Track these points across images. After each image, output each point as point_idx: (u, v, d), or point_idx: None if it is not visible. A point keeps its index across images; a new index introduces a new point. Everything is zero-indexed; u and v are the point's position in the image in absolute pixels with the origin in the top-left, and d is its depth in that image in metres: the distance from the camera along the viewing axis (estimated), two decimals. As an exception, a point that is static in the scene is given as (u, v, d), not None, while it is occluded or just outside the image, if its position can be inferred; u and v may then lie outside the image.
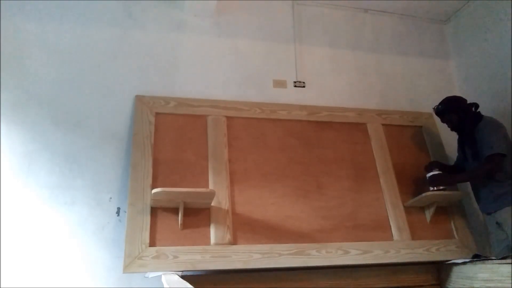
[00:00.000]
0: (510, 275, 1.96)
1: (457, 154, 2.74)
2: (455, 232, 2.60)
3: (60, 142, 2.40)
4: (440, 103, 2.61)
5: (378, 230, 2.50)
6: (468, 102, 2.58)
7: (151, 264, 2.07)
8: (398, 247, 2.43)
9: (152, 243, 2.13)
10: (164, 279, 1.90)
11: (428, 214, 2.60)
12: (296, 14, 3.15)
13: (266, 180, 2.48)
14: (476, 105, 2.54)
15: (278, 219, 2.38)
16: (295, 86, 2.95)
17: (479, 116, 2.51)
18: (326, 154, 2.67)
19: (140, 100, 2.54)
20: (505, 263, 2.03)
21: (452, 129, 2.64)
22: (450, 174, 2.64)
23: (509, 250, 2.28)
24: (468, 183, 2.68)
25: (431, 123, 3.01)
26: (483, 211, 2.52)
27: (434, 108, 2.64)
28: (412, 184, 2.66)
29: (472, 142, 2.48)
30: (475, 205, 2.73)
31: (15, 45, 2.52)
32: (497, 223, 2.38)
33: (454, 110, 2.55)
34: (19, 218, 2.21)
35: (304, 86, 2.97)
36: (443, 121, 2.64)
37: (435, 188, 2.51)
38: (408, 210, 2.59)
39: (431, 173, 2.54)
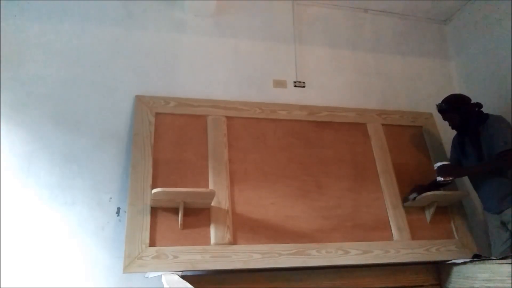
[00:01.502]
0: (510, 275, 1.96)
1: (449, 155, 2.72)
2: (455, 232, 2.59)
3: (60, 142, 2.41)
4: (443, 101, 2.57)
5: (378, 230, 2.49)
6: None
7: (151, 264, 2.07)
8: (398, 247, 2.43)
9: (152, 243, 2.13)
10: (164, 279, 1.90)
11: (428, 214, 2.60)
12: (296, 14, 3.15)
13: (266, 180, 2.48)
14: (479, 105, 2.51)
15: (278, 219, 2.38)
16: (295, 86, 2.96)
17: (483, 116, 2.47)
18: (326, 154, 2.67)
19: (140, 100, 2.54)
20: (505, 263, 2.03)
21: (453, 128, 2.61)
22: (460, 166, 2.58)
23: (510, 250, 2.26)
24: (469, 183, 2.67)
25: (431, 123, 3.01)
26: (489, 211, 2.47)
27: (437, 105, 2.60)
28: (412, 184, 2.65)
29: (476, 142, 2.45)
30: (475, 205, 2.73)
31: (15, 45, 2.52)
32: (502, 222, 2.34)
33: (456, 109, 2.51)
34: (19, 218, 2.21)
35: (304, 86, 2.97)
36: (444, 119, 2.61)
37: (443, 179, 2.42)
38: (408, 210, 2.59)
39: (440, 163, 2.45)
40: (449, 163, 2.50)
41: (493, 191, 2.39)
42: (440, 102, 2.59)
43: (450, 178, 2.44)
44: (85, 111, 2.51)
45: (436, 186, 2.57)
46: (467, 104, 2.53)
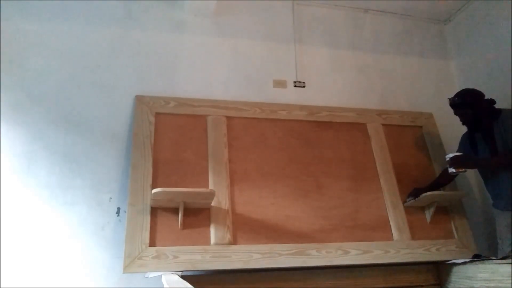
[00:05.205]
0: (510, 275, 1.96)
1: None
2: (455, 232, 2.59)
3: (60, 142, 2.40)
4: (456, 95, 2.49)
5: (378, 230, 2.50)
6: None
7: (151, 264, 2.07)
8: (398, 247, 2.43)
9: (152, 243, 2.13)
10: (164, 279, 1.90)
11: (428, 214, 2.60)
12: (296, 14, 3.15)
13: (266, 180, 2.48)
14: (492, 101, 2.42)
15: (278, 219, 2.38)
16: (295, 86, 2.96)
17: (496, 111, 2.39)
18: (326, 154, 2.67)
19: (140, 100, 2.54)
20: (505, 263, 2.03)
21: (463, 124, 2.52)
22: (474, 156, 2.48)
23: None
24: (469, 182, 2.66)
25: (431, 123, 3.00)
26: (500, 208, 2.38)
27: (449, 99, 2.50)
28: (412, 184, 2.65)
29: (490, 138, 2.39)
30: (475, 205, 2.71)
31: (15, 45, 2.52)
32: None
33: (470, 104, 2.41)
34: (19, 218, 2.21)
35: (304, 86, 2.97)
36: (456, 114, 2.51)
37: (455, 171, 2.36)
38: (408, 210, 2.59)
39: (452, 154, 2.39)
40: (461, 153, 2.43)
41: (506, 187, 2.30)
42: (453, 96, 2.49)
43: (463, 170, 2.37)
44: (85, 111, 2.51)
45: (437, 186, 2.56)
46: (481, 99, 2.43)
